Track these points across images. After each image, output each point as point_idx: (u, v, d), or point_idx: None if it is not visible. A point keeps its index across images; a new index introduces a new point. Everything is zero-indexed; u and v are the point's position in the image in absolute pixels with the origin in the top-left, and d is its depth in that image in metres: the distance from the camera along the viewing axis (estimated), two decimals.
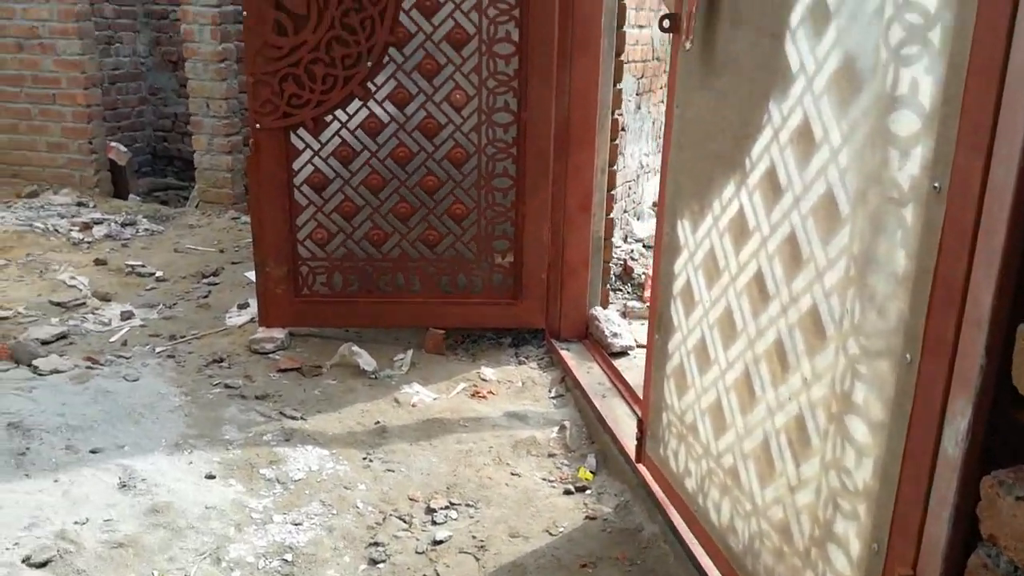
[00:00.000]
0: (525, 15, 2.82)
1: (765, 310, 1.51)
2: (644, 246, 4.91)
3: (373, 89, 2.88)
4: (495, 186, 3.02)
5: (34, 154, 5.33)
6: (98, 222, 4.50)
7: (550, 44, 2.85)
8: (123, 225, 4.50)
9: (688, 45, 1.72)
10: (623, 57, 3.01)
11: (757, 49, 1.50)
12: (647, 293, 4.05)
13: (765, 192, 1.50)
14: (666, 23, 1.83)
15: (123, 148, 5.98)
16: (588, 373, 2.87)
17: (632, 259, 4.53)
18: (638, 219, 5.20)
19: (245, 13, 2.76)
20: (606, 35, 2.90)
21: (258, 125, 2.86)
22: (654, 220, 5.13)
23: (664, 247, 1.95)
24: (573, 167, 2.99)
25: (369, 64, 2.84)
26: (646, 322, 3.99)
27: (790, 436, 1.41)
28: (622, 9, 2.94)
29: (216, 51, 4.70)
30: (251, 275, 3.75)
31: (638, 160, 5.02)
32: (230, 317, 3.32)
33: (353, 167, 2.98)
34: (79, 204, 4.95)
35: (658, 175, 5.70)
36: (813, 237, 1.34)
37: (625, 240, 4.82)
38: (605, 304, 3.28)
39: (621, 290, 4.18)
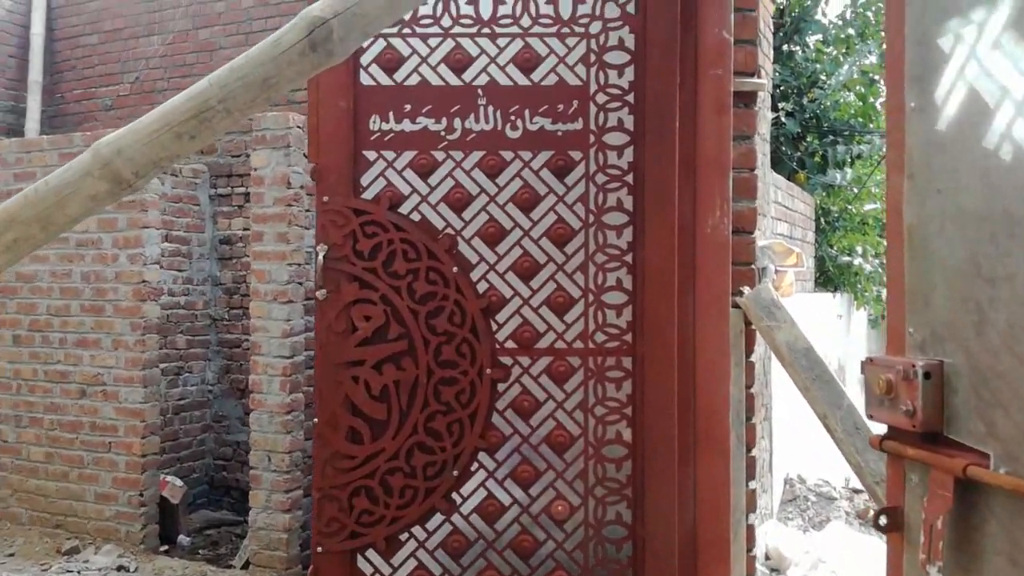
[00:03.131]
0: (638, 413, 2.40)
1: None
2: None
3: (458, 501, 2.42)
4: None
5: (80, 505, 4.96)
6: None
7: (669, 443, 2.39)
8: None
9: (934, 572, 1.20)
10: (754, 453, 2.53)
11: None
12: None
13: None
14: (883, 519, 1.33)
15: (179, 482, 5.61)
16: None
17: None
18: None
19: (317, 420, 2.40)
20: (734, 428, 2.45)
21: (320, 548, 2.38)
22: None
23: None
24: None
25: (455, 473, 2.40)
26: None
27: None
28: (750, 400, 2.52)
29: (284, 403, 4.42)
30: None
31: None
32: None
33: None
34: (120, 568, 4.44)
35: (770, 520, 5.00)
36: None
37: None
38: None
39: None
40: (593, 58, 2.42)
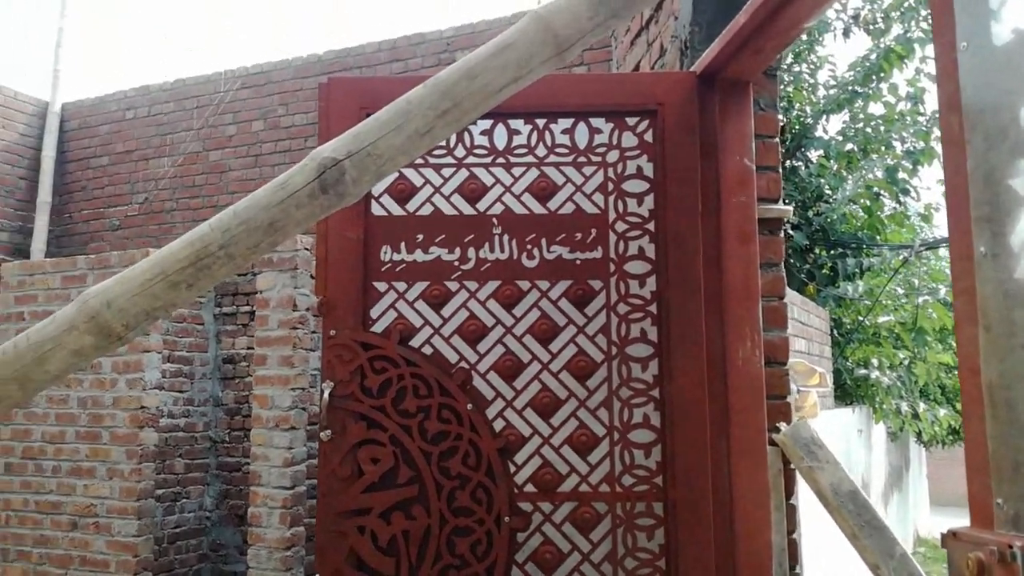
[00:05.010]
0: (672, 567, 2.19)
1: None
2: None
3: None
4: None
5: None
6: None
7: None
8: None
9: None
10: None
11: None
12: None
13: None
14: None
15: None
16: None
17: None
18: None
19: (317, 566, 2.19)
20: None
21: None
22: None
23: None
24: None
25: None
26: None
27: None
28: (792, 547, 2.31)
29: (284, 537, 4.17)
30: None
31: None
32: None
33: None
34: None
35: None
36: None
37: None
38: None
39: None
40: (611, 187, 2.34)
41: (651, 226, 2.32)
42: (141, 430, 4.65)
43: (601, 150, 2.35)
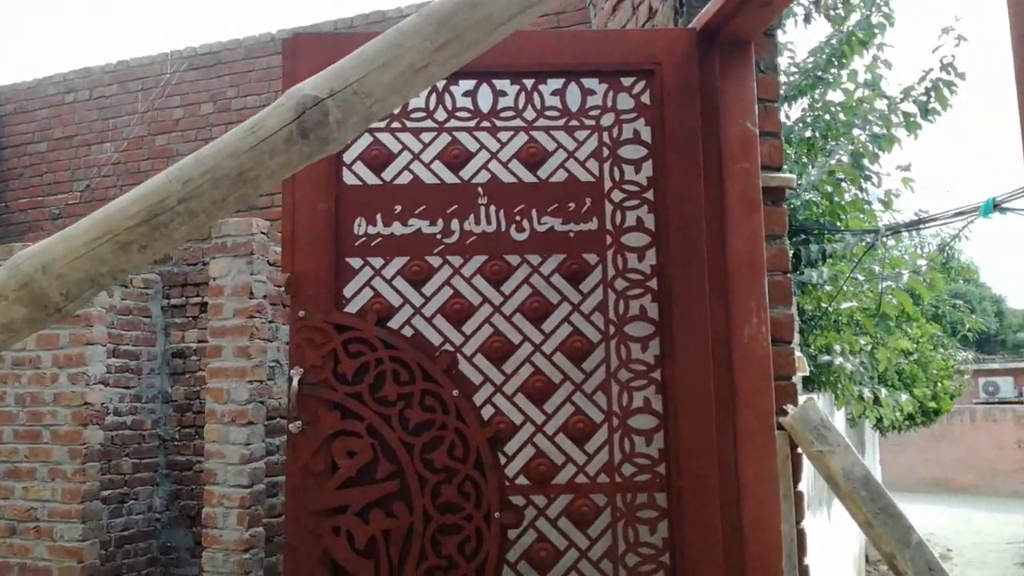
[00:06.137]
0: (677, 562, 2.02)
1: None
2: None
3: None
4: None
5: None
6: None
7: None
8: None
9: None
10: None
11: None
12: None
13: None
14: None
15: None
16: None
17: None
18: None
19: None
20: (786, 573, 2.08)
21: None
22: None
23: None
24: None
25: None
26: None
27: None
28: (802, 537, 2.16)
29: (242, 539, 3.92)
30: None
31: None
32: None
33: None
34: None
35: None
36: None
37: None
38: None
39: None
40: (606, 152, 2.17)
41: (650, 195, 2.15)
42: (85, 428, 4.34)
43: (595, 113, 2.17)
